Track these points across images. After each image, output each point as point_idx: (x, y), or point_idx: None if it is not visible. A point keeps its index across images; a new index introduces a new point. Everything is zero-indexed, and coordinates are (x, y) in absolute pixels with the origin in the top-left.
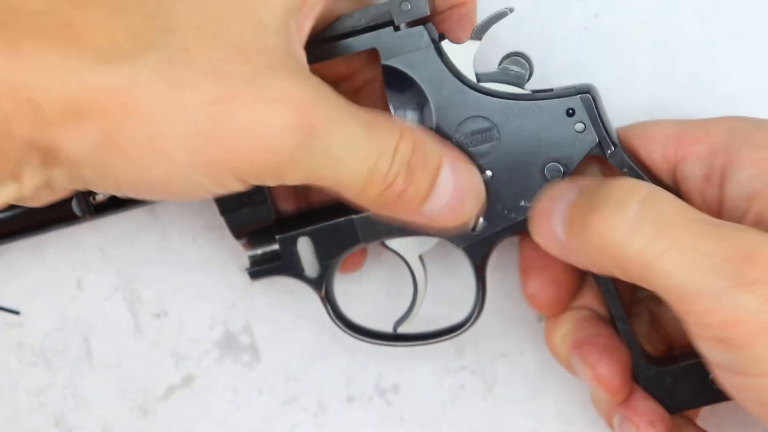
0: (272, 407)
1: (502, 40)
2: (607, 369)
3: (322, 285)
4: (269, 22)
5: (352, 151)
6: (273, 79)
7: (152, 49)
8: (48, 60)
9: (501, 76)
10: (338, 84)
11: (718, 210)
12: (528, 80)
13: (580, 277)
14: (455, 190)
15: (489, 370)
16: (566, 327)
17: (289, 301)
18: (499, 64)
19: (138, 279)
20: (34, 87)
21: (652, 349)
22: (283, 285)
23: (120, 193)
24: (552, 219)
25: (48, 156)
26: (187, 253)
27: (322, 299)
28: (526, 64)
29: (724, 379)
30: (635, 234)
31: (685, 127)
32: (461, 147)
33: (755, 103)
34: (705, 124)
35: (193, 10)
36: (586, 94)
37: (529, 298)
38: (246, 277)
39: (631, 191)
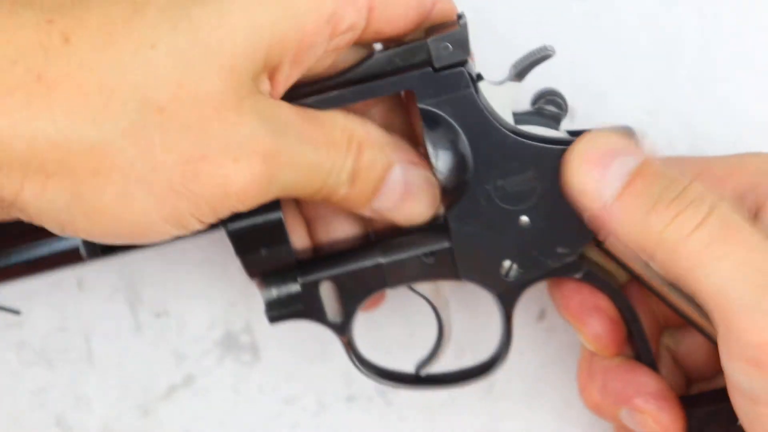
0: (272, 406)
1: (500, 38)
2: (668, 416)
3: (345, 330)
4: (241, 70)
5: (305, 173)
6: (240, 135)
7: (125, 109)
8: (12, 117)
9: (538, 117)
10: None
11: None
12: (564, 118)
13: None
14: (405, 189)
15: None
16: (601, 379)
17: None
18: (534, 103)
19: (139, 278)
20: None
21: (676, 388)
22: None
23: (80, 238)
24: (606, 173)
25: (4, 202)
26: (188, 253)
27: (345, 345)
28: (563, 104)
29: (743, 408)
30: (698, 231)
31: (709, 164)
32: (499, 192)
33: (755, 103)
34: (728, 162)
35: (171, 65)
36: None
37: (593, 341)
38: (246, 277)
39: (703, 194)
